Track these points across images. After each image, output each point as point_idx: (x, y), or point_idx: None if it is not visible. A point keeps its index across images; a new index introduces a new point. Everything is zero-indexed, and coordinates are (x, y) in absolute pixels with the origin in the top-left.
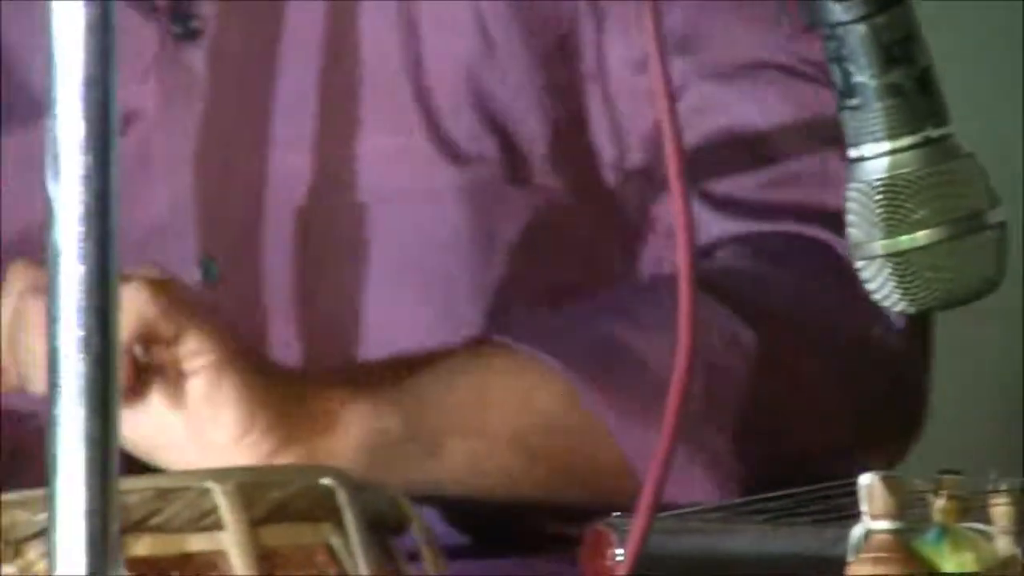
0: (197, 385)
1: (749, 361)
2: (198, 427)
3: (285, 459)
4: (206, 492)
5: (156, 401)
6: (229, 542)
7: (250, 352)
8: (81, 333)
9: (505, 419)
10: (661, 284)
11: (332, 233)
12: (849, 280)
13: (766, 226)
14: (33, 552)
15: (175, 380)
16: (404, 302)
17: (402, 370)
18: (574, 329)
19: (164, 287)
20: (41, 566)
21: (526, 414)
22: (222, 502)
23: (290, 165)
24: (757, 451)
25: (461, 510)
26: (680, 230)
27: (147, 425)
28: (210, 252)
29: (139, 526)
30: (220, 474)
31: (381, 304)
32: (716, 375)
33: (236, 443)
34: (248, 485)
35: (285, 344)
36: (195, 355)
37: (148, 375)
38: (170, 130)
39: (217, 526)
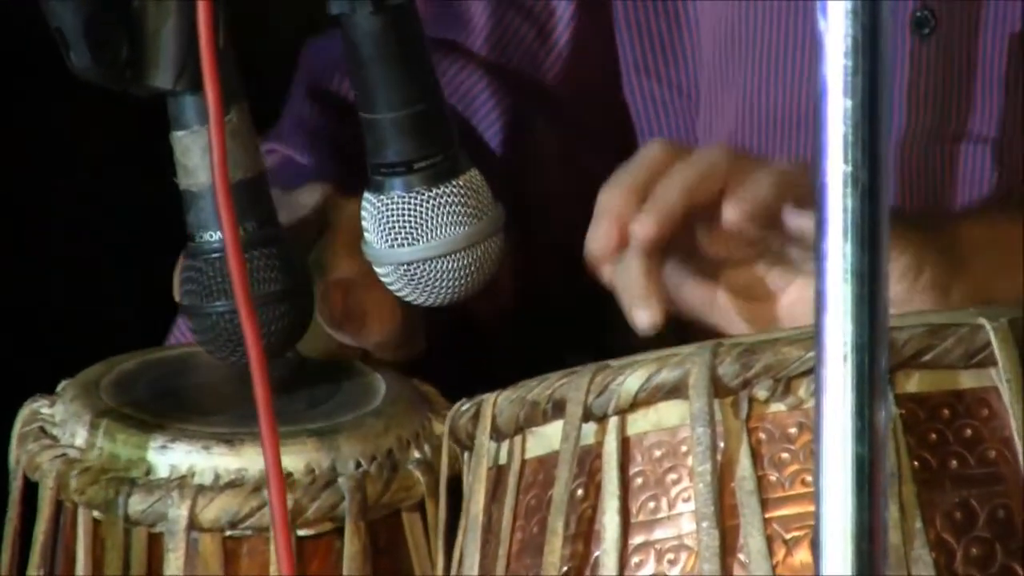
0: None
1: None
2: None
3: (957, 294)
4: (978, 328)
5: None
6: (1000, 379)
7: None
8: (847, 168)
9: None
10: None
11: None
12: None
13: None
14: (803, 390)
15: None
16: None
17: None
18: None
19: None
20: (810, 403)
21: None
22: (994, 338)
23: None
24: None
25: None
26: None
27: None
28: (928, 5)
29: (909, 363)
30: (990, 311)
31: None
32: None
33: (912, 287)
34: (1018, 321)
35: (982, 109)
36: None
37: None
38: None
39: (989, 362)
